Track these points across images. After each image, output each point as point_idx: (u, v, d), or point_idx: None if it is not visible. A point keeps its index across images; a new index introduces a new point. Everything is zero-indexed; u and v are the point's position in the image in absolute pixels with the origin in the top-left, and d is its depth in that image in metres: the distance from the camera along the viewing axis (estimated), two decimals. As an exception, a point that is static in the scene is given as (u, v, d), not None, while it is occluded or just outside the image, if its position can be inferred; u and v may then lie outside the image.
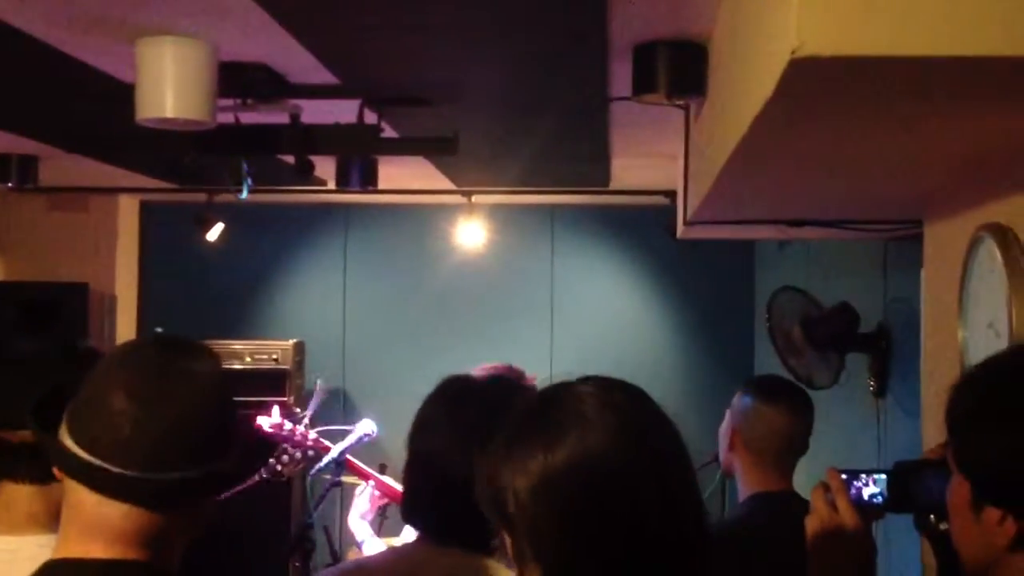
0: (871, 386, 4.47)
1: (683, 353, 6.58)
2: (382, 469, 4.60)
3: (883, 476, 1.67)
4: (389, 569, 2.09)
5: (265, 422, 4.13)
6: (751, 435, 2.86)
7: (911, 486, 1.64)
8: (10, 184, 4.95)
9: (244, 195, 3.57)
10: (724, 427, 2.97)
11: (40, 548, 1.67)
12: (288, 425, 4.15)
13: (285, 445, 4.07)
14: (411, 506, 2.02)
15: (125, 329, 6.26)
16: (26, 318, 5.51)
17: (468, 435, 1.85)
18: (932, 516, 1.63)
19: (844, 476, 1.66)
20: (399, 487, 4.07)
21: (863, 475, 1.67)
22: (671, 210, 5.31)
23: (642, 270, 6.60)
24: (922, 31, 1.41)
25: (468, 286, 6.51)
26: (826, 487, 1.65)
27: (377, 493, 3.91)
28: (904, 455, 4.14)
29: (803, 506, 2.81)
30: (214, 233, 5.56)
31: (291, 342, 6.06)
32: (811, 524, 1.65)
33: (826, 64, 1.46)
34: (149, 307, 6.47)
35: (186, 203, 5.82)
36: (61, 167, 5.03)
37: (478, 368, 3.70)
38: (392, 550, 2.46)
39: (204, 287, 6.48)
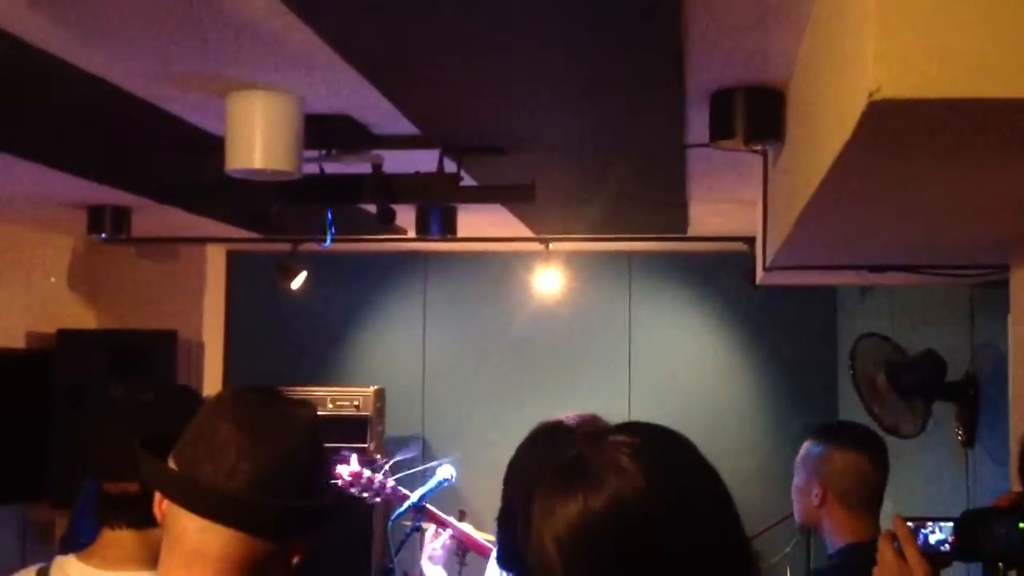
0: (959, 435, 4.37)
1: (764, 402, 6.50)
2: (461, 516, 4.61)
3: (950, 523, 1.65)
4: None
5: (344, 470, 4.17)
6: (841, 485, 2.81)
7: (979, 534, 1.61)
8: (104, 235, 5.11)
9: (328, 244, 3.65)
10: (801, 481, 2.91)
11: None
12: (367, 473, 4.18)
13: (365, 494, 4.10)
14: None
15: (212, 375, 6.39)
16: (117, 365, 5.66)
17: None
18: (1001, 564, 1.60)
19: (911, 524, 1.64)
20: (476, 534, 4.10)
21: (930, 523, 1.65)
22: (750, 257, 5.28)
23: (721, 317, 6.55)
24: (997, 73, 1.42)
25: (546, 333, 6.53)
26: (893, 536, 1.63)
27: (450, 541, 3.91)
28: (995, 506, 4.04)
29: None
30: (297, 282, 5.67)
31: (372, 389, 6.12)
32: (880, 574, 1.63)
33: (904, 106, 1.47)
34: (234, 354, 6.60)
35: (271, 252, 5.95)
36: (152, 218, 5.19)
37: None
38: None
39: (287, 334, 6.60)
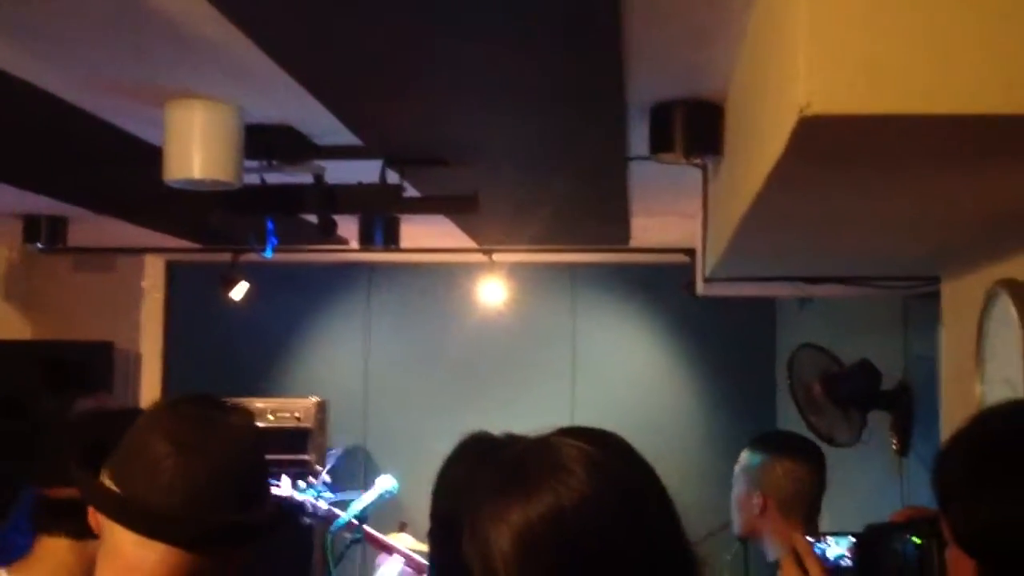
0: (893, 444, 4.45)
1: (705, 411, 6.57)
2: (402, 527, 4.61)
3: (847, 538, 1.68)
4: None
5: (274, 492, 4.11)
6: (782, 494, 2.83)
7: (878, 551, 1.64)
8: (39, 245, 5.03)
9: (269, 254, 3.62)
10: (742, 491, 2.93)
11: None
12: (298, 495, 4.14)
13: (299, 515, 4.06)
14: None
15: (149, 387, 6.31)
16: (52, 376, 5.57)
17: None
18: None
19: (809, 540, 1.66)
20: (414, 548, 4.09)
21: (829, 537, 1.68)
22: (691, 268, 5.34)
23: (663, 327, 6.61)
24: (926, 89, 1.45)
25: (490, 344, 6.53)
26: (794, 552, 1.65)
27: (408, 569, 3.89)
28: (928, 514, 4.11)
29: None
30: (239, 292, 5.62)
31: (313, 400, 6.09)
32: None
33: (834, 122, 1.50)
34: (173, 365, 6.52)
35: (211, 263, 5.89)
36: (89, 227, 5.12)
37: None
38: None
39: (228, 345, 6.53)
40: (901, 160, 1.78)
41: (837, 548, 1.68)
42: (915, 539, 1.55)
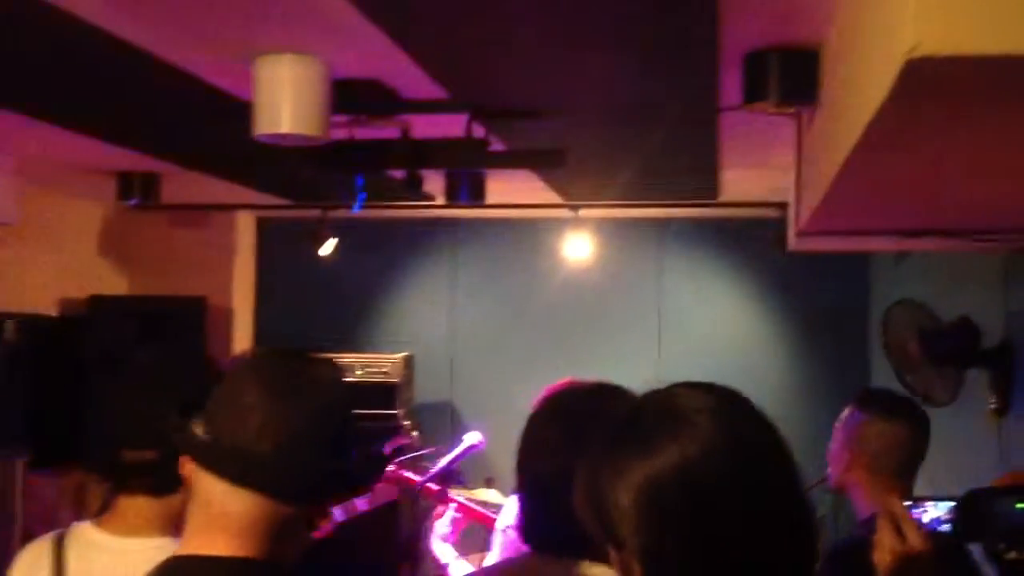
0: (992, 404, 4.32)
1: (796, 368, 6.46)
2: (488, 483, 4.61)
3: (946, 503, 1.62)
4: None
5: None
6: (871, 453, 2.77)
7: (980, 514, 1.58)
8: (133, 201, 5.12)
9: (357, 209, 3.63)
10: (836, 445, 2.89)
11: (156, 550, 1.72)
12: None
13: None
14: (531, 529, 1.95)
15: (241, 341, 6.42)
16: (146, 331, 5.69)
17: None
18: (1002, 544, 1.57)
19: (907, 504, 1.61)
20: (480, 509, 4.08)
21: (927, 503, 1.63)
22: (782, 223, 5.22)
23: (753, 284, 6.50)
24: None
25: (576, 300, 6.50)
26: (890, 517, 1.59)
27: (459, 515, 3.91)
28: (1028, 475, 4.00)
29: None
30: (327, 248, 5.67)
31: (401, 356, 6.13)
32: (879, 556, 1.59)
33: (944, 64, 1.42)
34: (264, 320, 6.62)
35: (301, 219, 5.94)
36: (182, 185, 5.19)
37: (544, 392, 3.70)
38: (507, 561, 2.44)
39: (317, 301, 6.62)
40: (1011, 104, 1.69)
41: (934, 512, 1.63)
42: (1019, 505, 1.50)
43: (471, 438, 4.16)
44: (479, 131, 3.54)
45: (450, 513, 3.95)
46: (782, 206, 5.34)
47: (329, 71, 3.01)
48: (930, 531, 1.62)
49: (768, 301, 6.49)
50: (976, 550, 1.68)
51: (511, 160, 3.72)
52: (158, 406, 1.81)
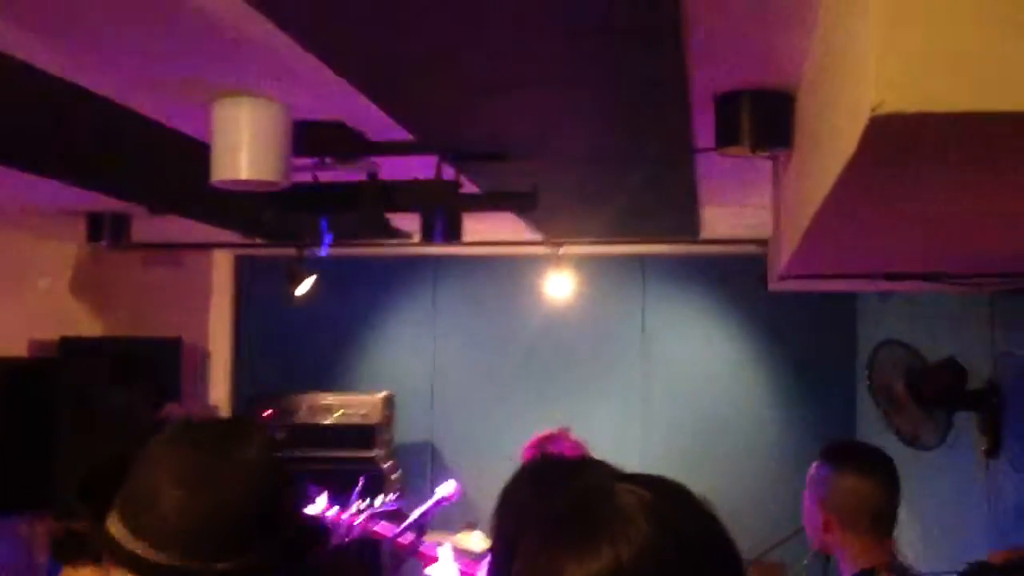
0: (983, 446, 4.23)
1: (781, 408, 6.35)
2: (470, 526, 4.51)
3: None
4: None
5: (311, 511, 4.04)
6: (845, 511, 2.69)
7: None
8: (104, 242, 5.02)
9: (324, 252, 3.54)
10: (809, 505, 2.79)
11: None
12: (331, 514, 4.03)
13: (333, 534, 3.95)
14: None
15: (218, 382, 6.31)
16: (120, 372, 5.58)
17: None
18: None
19: None
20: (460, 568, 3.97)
21: None
22: (764, 259, 5.15)
23: (737, 320, 6.41)
24: (1007, 85, 1.29)
25: (558, 337, 6.40)
26: None
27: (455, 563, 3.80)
28: (1017, 518, 3.89)
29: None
30: (305, 287, 5.56)
31: (380, 396, 6.02)
32: None
33: (910, 121, 1.34)
34: (242, 361, 6.52)
35: (279, 257, 5.84)
36: (154, 224, 5.10)
37: (534, 438, 3.65)
38: None
39: (296, 340, 6.50)
40: (982, 159, 1.61)
41: None
42: None
43: (444, 489, 4.06)
44: (450, 172, 3.45)
45: (447, 556, 3.83)
46: (764, 243, 5.27)
47: (289, 114, 2.92)
48: None
49: (753, 339, 6.40)
50: None
51: (483, 202, 3.64)
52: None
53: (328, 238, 3.47)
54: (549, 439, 3.73)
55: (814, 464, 2.83)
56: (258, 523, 1.43)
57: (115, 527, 1.41)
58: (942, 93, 1.30)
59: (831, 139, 1.81)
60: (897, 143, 1.46)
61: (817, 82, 2.16)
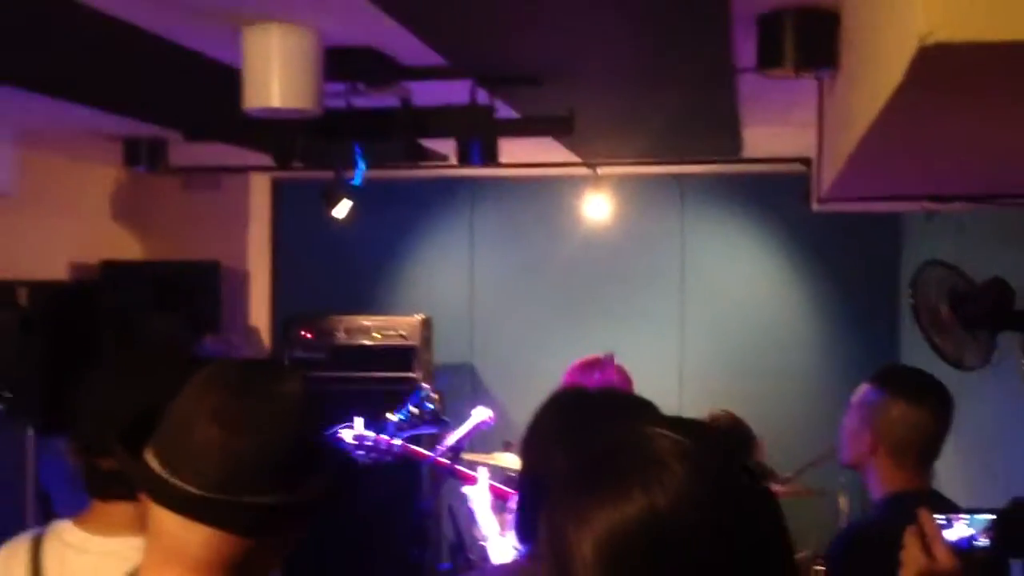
0: (1024, 366, 4.16)
1: (822, 329, 6.28)
2: (507, 446, 4.53)
3: (985, 517, 1.48)
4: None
5: (348, 434, 4.06)
6: (895, 438, 2.65)
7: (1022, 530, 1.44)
8: (141, 167, 5.02)
9: (358, 182, 3.50)
10: (853, 424, 2.76)
11: (137, 550, 1.66)
12: (371, 435, 4.05)
13: (373, 455, 3.97)
14: (525, 527, 1.93)
15: (258, 306, 6.34)
16: (161, 296, 5.63)
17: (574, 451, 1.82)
18: None
19: (939, 519, 1.48)
20: (498, 485, 4.00)
21: (962, 516, 1.49)
22: (807, 178, 5.05)
23: (777, 241, 6.31)
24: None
25: (597, 260, 6.35)
26: (920, 531, 1.47)
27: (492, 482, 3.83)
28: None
29: (946, 507, 2.60)
30: (342, 210, 5.52)
31: (418, 318, 6.02)
32: (905, 572, 1.48)
33: (959, 51, 1.28)
34: (280, 284, 6.54)
35: (317, 180, 5.80)
36: (192, 148, 5.08)
37: (577, 362, 3.63)
38: (507, 568, 2.39)
39: (334, 263, 6.51)
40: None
41: (968, 529, 1.49)
42: None
43: (479, 414, 4.07)
44: (484, 96, 3.38)
45: (484, 479, 3.86)
46: (807, 161, 5.16)
47: (320, 40, 2.87)
48: (963, 549, 1.50)
49: (794, 259, 6.31)
50: (1018, 567, 1.56)
51: (518, 128, 3.58)
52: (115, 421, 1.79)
53: (362, 165, 3.43)
54: (594, 364, 3.69)
55: (865, 386, 2.79)
56: (299, 459, 1.42)
57: (154, 464, 1.40)
58: (990, 23, 1.24)
59: (877, 64, 1.74)
60: (946, 74, 1.40)
61: (861, 6, 2.08)
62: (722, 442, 1.15)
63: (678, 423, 1.15)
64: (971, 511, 1.51)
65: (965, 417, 4.59)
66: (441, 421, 5.14)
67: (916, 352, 5.68)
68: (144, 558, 1.45)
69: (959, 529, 1.49)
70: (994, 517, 1.49)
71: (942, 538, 1.45)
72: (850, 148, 2.30)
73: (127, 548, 1.80)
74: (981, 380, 4.45)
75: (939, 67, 1.36)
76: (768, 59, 2.72)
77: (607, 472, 1.11)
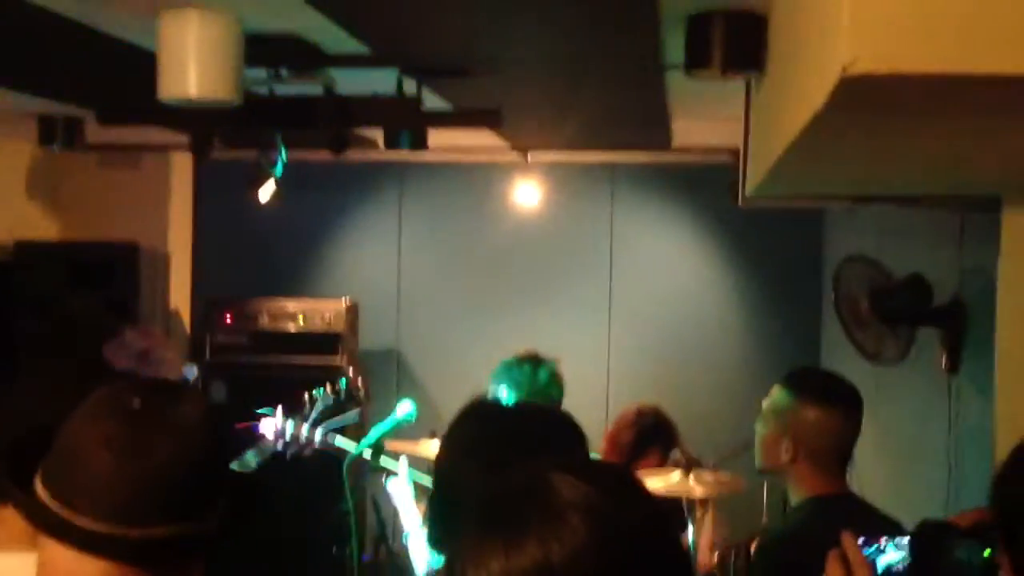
0: (944, 362, 4.23)
1: (747, 319, 6.33)
2: (432, 435, 4.49)
3: (906, 540, 1.48)
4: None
5: (268, 426, 4.00)
6: (811, 444, 2.66)
7: (939, 557, 1.44)
8: (56, 146, 4.87)
9: (279, 172, 3.43)
10: (770, 432, 2.75)
11: (31, 569, 1.59)
12: (290, 428, 4.00)
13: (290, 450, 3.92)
14: (434, 536, 1.92)
15: (178, 287, 6.20)
16: (77, 278, 5.48)
17: (487, 467, 1.80)
18: None
19: (862, 541, 1.47)
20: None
21: (883, 540, 1.48)
22: (736, 169, 5.07)
23: (705, 231, 6.33)
24: (982, 46, 1.22)
25: (525, 246, 6.31)
26: (842, 557, 1.47)
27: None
28: (977, 435, 3.92)
29: (864, 511, 2.63)
30: (267, 191, 5.41)
31: (344, 303, 5.92)
32: None
33: (882, 81, 1.27)
34: (202, 266, 6.40)
35: (241, 160, 5.68)
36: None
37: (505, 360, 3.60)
38: None
39: (258, 245, 6.37)
40: (954, 116, 1.54)
41: (895, 553, 1.48)
42: (986, 552, 1.36)
43: (402, 409, 4.01)
44: (412, 84, 3.33)
45: (404, 469, 3.81)
46: (736, 152, 5.17)
47: (241, 27, 2.78)
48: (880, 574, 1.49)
49: (720, 250, 6.34)
50: None
51: (446, 120, 3.52)
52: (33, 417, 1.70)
53: (283, 155, 3.35)
54: (521, 365, 3.66)
55: (776, 389, 2.79)
56: (195, 487, 1.36)
57: (44, 497, 1.34)
58: (914, 54, 1.23)
59: (801, 81, 1.73)
60: (866, 101, 1.40)
61: (788, 15, 2.07)
62: (632, 492, 1.12)
63: (590, 468, 1.12)
64: (890, 534, 1.50)
65: (884, 412, 4.67)
66: (359, 402, 5.10)
67: (837, 345, 5.76)
68: None
69: (890, 555, 1.49)
70: (908, 540, 1.48)
71: (865, 564, 1.45)
72: (773, 157, 2.30)
73: (25, 567, 1.75)
74: (901, 375, 4.52)
75: (861, 94, 1.35)
76: (696, 60, 2.70)
77: (507, 518, 1.08)
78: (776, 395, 2.79)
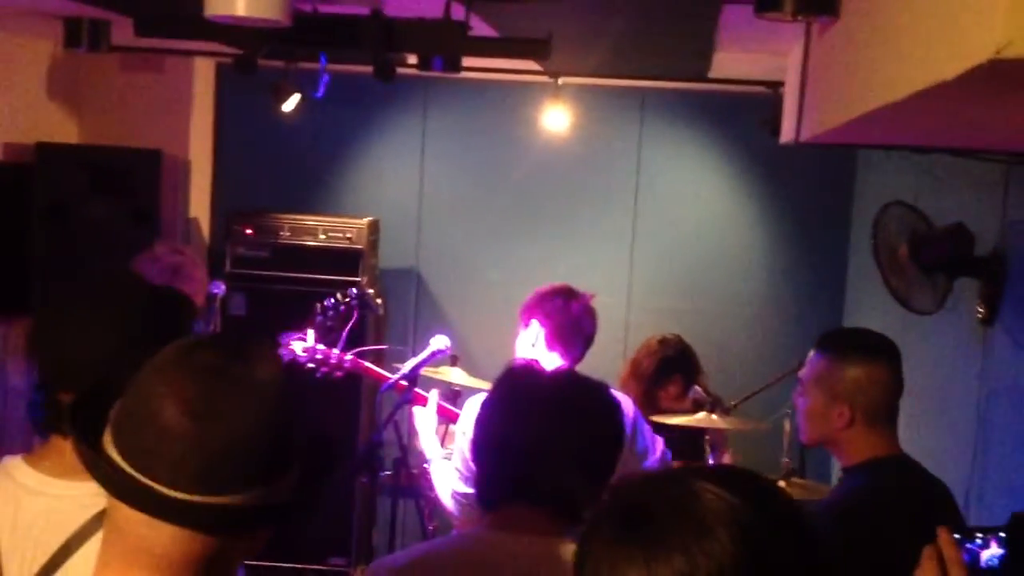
0: (979, 313, 4.16)
1: (772, 256, 6.23)
2: (453, 361, 4.46)
3: (1000, 534, 1.42)
4: (460, 560, 2.00)
5: (298, 346, 3.97)
6: (868, 402, 2.59)
7: None
8: (81, 49, 4.74)
9: (320, 95, 3.32)
10: (818, 403, 2.65)
11: (95, 496, 1.55)
12: (320, 348, 3.97)
13: (323, 369, 3.91)
14: (486, 493, 2.08)
15: (198, 197, 6.11)
16: (99, 183, 5.38)
17: (533, 434, 2.00)
18: None
19: (957, 537, 1.41)
20: (446, 405, 3.95)
21: (978, 535, 1.43)
22: (771, 102, 4.94)
23: (734, 164, 6.21)
24: None
25: (550, 171, 6.19)
26: (937, 554, 1.41)
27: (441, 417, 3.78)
28: (1010, 388, 3.87)
29: (919, 472, 2.56)
30: (290, 104, 5.29)
31: (366, 220, 5.84)
32: None
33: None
34: (223, 175, 6.29)
35: (264, 69, 5.53)
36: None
37: (536, 295, 3.53)
38: (458, 537, 2.38)
39: (280, 157, 6.25)
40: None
41: (993, 548, 1.42)
42: None
43: (437, 342, 3.97)
44: (459, 10, 3.20)
45: (433, 401, 3.78)
46: (773, 85, 5.05)
47: (291, -56, 2.65)
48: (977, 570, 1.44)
49: (749, 184, 6.22)
50: None
51: (493, 48, 3.40)
52: (99, 346, 1.78)
53: (325, 78, 3.24)
54: (567, 294, 3.57)
55: (815, 356, 2.69)
56: (272, 453, 1.31)
57: (117, 458, 1.28)
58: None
59: (914, 47, 1.63)
60: (1005, 81, 1.30)
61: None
62: (777, 505, 1.07)
63: (728, 477, 1.06)
64: (985, 529, 1.44)
65: (915, 361, 4.62)
66: (373, 310, 5.07)
67: (863, 289, 5.70)
68: (102, 554, 1.33)
69: (986, 551, 1.43)
70: (1003, 535, 1.43)
71: (962, 563, 1.39)
72: (857, 112, 2.20)
73: (86, 494, 1.70)
74: (934, 326, 4.46)
75: (1004, 74, 1.26)
76: (768, 2, 2.58)
77: (648, 528, 1.03)
78: (817, 363, 2.69)
